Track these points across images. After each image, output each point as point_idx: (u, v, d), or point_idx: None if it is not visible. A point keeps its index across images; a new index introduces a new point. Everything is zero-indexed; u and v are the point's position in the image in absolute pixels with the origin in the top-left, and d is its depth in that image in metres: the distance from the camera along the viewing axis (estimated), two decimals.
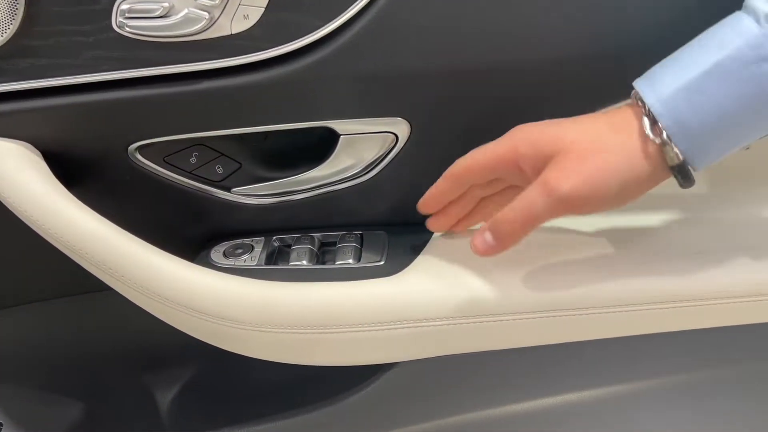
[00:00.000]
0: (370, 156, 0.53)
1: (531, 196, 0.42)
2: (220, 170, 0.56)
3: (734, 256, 0.51)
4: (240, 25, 0.46)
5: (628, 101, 0.43)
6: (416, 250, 0.54)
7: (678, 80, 0.39)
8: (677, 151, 0.40)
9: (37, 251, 0.51)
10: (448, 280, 0.50)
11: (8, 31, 0.44)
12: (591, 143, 0.41)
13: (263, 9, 0.45)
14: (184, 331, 0.52)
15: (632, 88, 0.42)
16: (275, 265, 0.55)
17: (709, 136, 0.39)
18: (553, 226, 0.52)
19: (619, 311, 0.49)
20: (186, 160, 0.54)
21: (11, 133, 0.49)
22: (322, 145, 0.54)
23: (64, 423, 0.71)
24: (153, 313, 0.51)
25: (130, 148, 0.52)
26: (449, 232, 0.55)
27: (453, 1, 0.46)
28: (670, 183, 0.43)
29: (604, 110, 0.47)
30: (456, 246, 0.54)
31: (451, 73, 0.48)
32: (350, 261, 0.54)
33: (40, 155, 0.50)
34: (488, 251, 0.45)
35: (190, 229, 0.58)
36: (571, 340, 0.51)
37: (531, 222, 0.43)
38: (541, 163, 0.43)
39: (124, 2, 0.45)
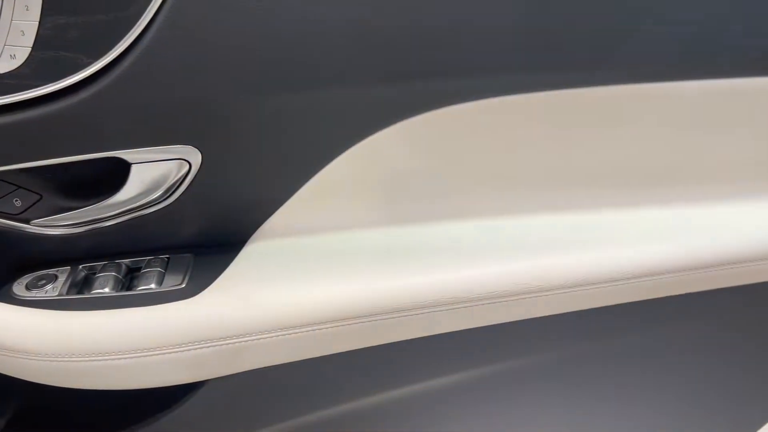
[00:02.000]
0: (165, 183, 0.55)
1: None
2: (18, 203, 0.56)
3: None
4: (7, 65, 0.47)
5: None
6: (219, 270, 0.57)
7: None
8: None
9: None
10: (242, 300, 0.53)
11: None
12: None
13: (30, 48, 0.46)
14: None
15: None
16: (80, 294, 0.56)
17: None
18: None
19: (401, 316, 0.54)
20: None
21: None
22: (118, 172, 0.55)
23: None
24: None
25: None
26: (254, 250, 0.58)
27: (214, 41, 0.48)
28: None
29: None
30: (259, 262, 0.57)
31: (234, 103, 0.51)
32: (152, 285, 0.56)
33: None
34: None
35: None
36: (359, 347, 0.55)
37: None
38: None
39: None
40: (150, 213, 0.57)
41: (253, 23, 0.48)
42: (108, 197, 0.56)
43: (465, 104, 0.54)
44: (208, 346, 0.53)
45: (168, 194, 0.56)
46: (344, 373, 0.62)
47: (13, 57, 0.47)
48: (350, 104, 0.54)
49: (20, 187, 0.56)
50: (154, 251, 0.60)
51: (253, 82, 0.51)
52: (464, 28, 0.52)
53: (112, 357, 0.51)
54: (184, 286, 0.55)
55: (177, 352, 0.52)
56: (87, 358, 0.52)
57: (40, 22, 0.46)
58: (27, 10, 0.45)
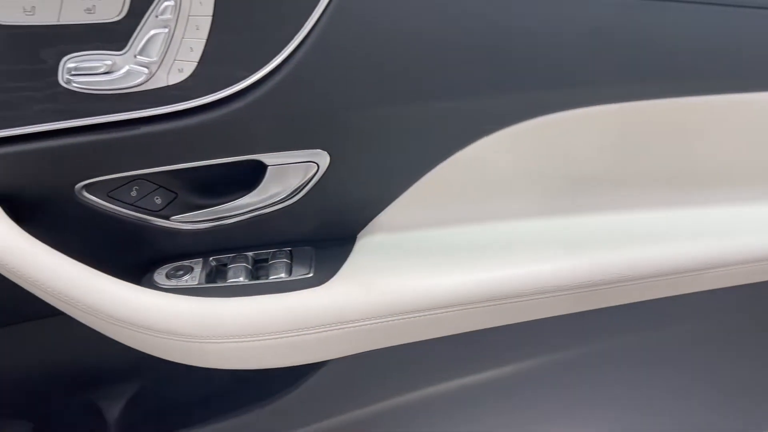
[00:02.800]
0: (295, 183, 0.61)
1: None
2: (158, 201, 0.62)
3: None
4: (175, 77, 0.53)
5: None
6: (340, 261, 0.63)
7: None
8: None
9: None
10: (367, 286, 0.59)
11: None
12: None
13: (196, 63, 0.52)
14: (135, 348, 0.58)
15: None
16: (214, 283, 0.62)
17: None
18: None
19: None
20: (127, 193, 0.60)
21: None
22: (252, 173, 0.61)
23: None
24: (106, 334, 0.57)
25: (77, 186, 0.57)
26: (367, 243, 0.64)
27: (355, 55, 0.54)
28: None
29: None
30: (374, 255, 0.63)
31: (361, 112, 0.57)
32: (282, 275, 0.62)
33: None
34: None
35: (134, 255, 0.64)
36: (483, 327, 0.61)
37: None
38: None
39: (70, 61, 0.50)
40: (275, 210, 0.63)
41: (389, 43, 0.55)
42: (242, 196, 0.62)
43: (566, 112, 0.60)
44: (338, 329, 0.59)
45: (295, 193, 0.62)
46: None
47: (180, 71, 0.53)
48: (460, 113, 0.60)
49: (161, 186, 0.62)
50: (276, 245, 0.66)
51: (380, 92, 0.57)
52: (569, 42, 0.58)
53: (250, 339, 0.57)
54: (312, 275, 0.61)
55: (309, 334, 0.58)
56: (226, 340, 0.57)
57: (207, 40, 0.52)
58: (197, 29, 0.51)
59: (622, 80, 0.61)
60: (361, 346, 0.61)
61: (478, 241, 0.65)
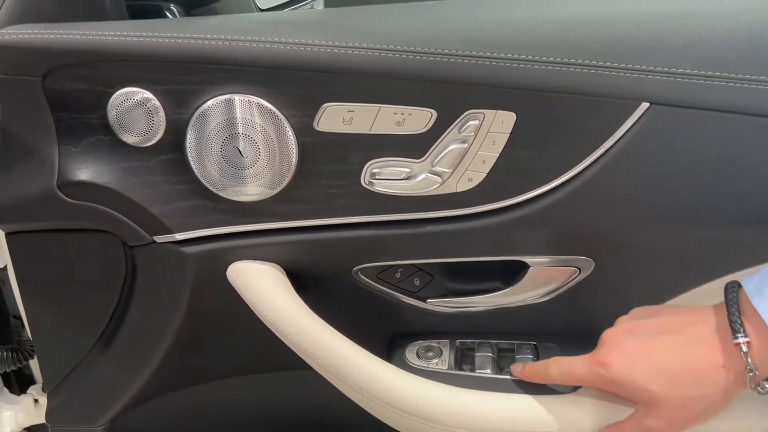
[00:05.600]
0: (554, 284, 0.62)
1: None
2: (417, 282, 0.66)
3: None
4: (464, 185, 0.56)
5: None
6: None
7: None
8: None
9: (254, 337, 0.62)
10: (619, 403, 0.58)
11: (283, 183, 0.56)
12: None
13: (485, 174, 0.55)
14: (384, 422, 0.62)
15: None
16: (461, 370, 0.65)
17: None
18: None
19: None
20: (393, 275, 0.65)
21: (269, 258, 0.60)
22: (509, 269, 0.63)
23: None
24: (357, 402, 0.61)
25: (354, 269, 0.62)
26: None
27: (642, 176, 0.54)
28: None
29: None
30: None
31: (639, 229, 0.56)
32: None
33: (284, 274, 0.61)
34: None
35: (386, 327, 0.69)
36: None
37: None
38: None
39: (374, 166, 0.55)
40: (521, 306, 0.64)
41: (685, 166, 0.53)
42: (497, 290, 0.64)
43: None
44: None
45: (550, 293, 0.63)
46: None
47: (470, 180, 0.55)
48: (734, 242, 0.57)
49: (421, 269, 0.65)
50: (519, 334, 0.67)
51: (664, 213, 0.55)
52: None
53: None
54: None
55: None
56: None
57: (500, 154, 0.54)
58: (493, 144, 0.54)
59: None
60: None
61: None
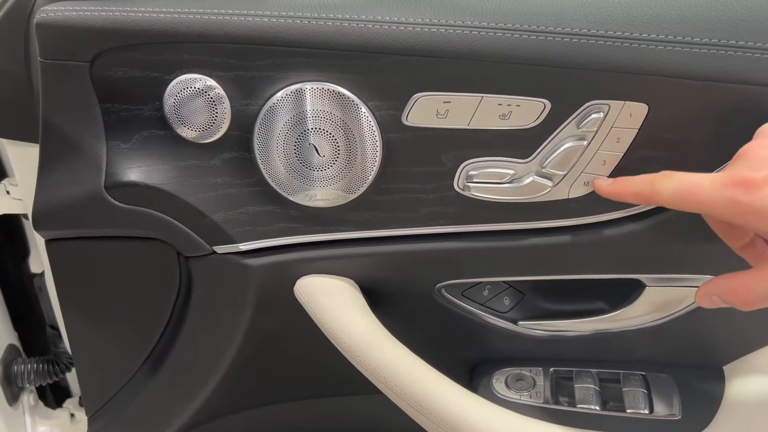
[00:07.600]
0: (671, 306, 0.53)
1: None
2: (506, 301, 0.57)
3: None
4: (578, 191, 0.47)
5: None
6: (711, 403, 0.53)
7: None
8: None
9: (320, 359, 0.54)
10: None
11: (363, 187, 0.48)
12: None
13: (605, 177, 0.46)
14: None
15: None
16: (558, 404, 0.56)
17: None
18: None
19: None
20: (480, 293, 0.56)
21: (342, 272, 0.52)
22: (616, 288, 0.54)
23: None
24: None
25: (437, 285, 0.54)
26: (748, 384, 0.54)
27: None
28: None
29: None
30: (757, 404, 0.52)
31: None
32: (642, 410, 0.54)
33: (359, 290, 0.53)
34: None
35: (470, 350, 0.60)
36: None
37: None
38: None
39: (471, 167, 0.47)
40: (632, 329, 0.55)
41: None
42: (603, 312, 0.55)
43: None
44: None
45: (664, 317, 0.54)
46: None
47: (586, 184, 0.47)
48: None
49: (511, 286, 0.57)
50: (621, 362, 0.58)
51: None
52: None
53: None
54: (680, 417, 0.53)
55: None
56: None
57: (624, 154, 0.45)
58: (617, 142, 0.45)
59: None
60: None
61: None
